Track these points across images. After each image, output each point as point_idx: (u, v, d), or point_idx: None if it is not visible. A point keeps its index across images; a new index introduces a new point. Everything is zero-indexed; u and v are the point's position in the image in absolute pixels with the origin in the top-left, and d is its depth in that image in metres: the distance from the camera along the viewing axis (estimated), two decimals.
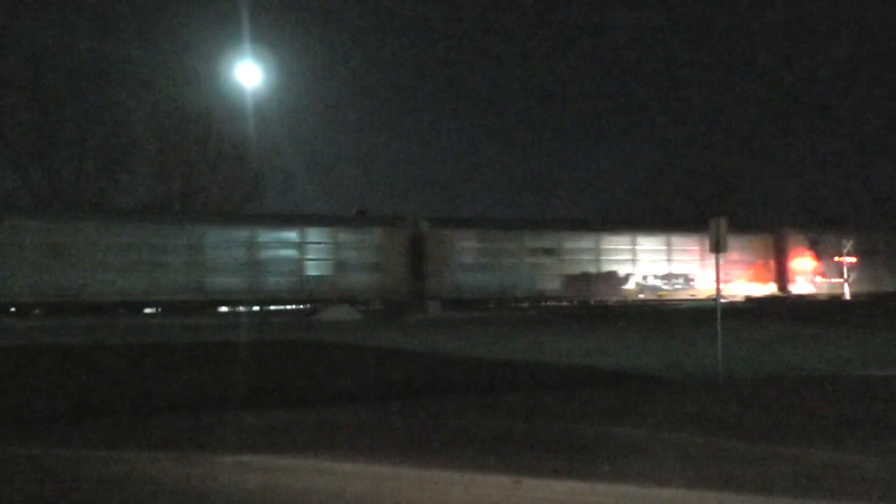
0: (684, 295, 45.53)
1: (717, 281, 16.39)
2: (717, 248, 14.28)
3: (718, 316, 14.66)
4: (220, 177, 57.03)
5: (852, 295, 53.88)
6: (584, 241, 42.79)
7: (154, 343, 21.93)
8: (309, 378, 14.02)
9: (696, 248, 44.67)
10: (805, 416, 9.79)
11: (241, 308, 38.50)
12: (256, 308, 44.30)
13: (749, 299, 48.69)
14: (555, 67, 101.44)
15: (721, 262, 15.40)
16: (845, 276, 54.69)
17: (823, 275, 54.84)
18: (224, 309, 43.84)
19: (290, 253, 38.86)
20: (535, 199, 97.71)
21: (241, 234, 38.23)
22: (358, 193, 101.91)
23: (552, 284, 42.01)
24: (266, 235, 38.46)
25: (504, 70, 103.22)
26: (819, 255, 54.78)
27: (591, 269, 42.61)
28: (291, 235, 38.95)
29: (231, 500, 6.30)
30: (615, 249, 43.30)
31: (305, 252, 39.01)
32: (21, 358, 17.94)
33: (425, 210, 46.41)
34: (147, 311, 38.32)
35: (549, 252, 41.72)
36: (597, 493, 6.37)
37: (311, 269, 38.83)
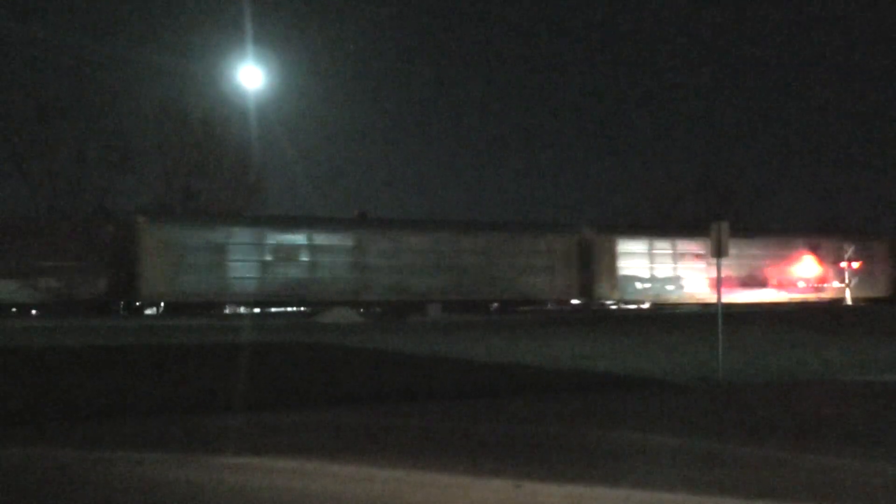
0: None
1: (718, 285, 16.39)
2: (719, 252, 14.29)
3: (720, 320, 14.66)
4: (222, 179, 57.06)
5: (853, 300, 53.90)
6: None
7: (155, 345, 21.93)
8: (309, 380, 14.02)
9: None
10: (804, 421, 9.78)
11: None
12: (257, 310, 44.39)
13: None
14: (559, 72, 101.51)
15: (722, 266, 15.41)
16: (847, 280, 54.70)
17: (826, 280, 54.86)
18: (226, 311, 43.91)
19: (480, 258, 42.58)
20: (536, 203, 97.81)
21: (436, 238, 42.27)
22: (359, 195, 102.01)
23: (702, 287, 45.82)
24: (458, 242, 42.40)
25: (509, 74, 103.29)
26: (821, 260, 54.79)
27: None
28: (479, 241, 42.73)
29: (231, 502, 6.30)
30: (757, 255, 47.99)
31: (492, 256, 42.57)
32: (20, 358, 17.95)
33: (590, 216, 50.45)
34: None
35: (698, 256, 45.25)
36: (597, 497, 6.37)
37: (497, 272, 42.55)
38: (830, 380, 13.58)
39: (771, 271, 51.88)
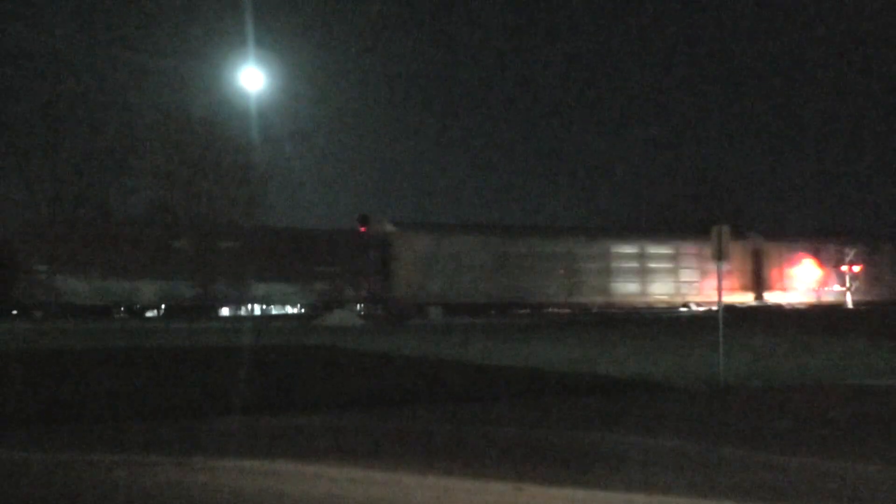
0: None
1: (720, 288, 16.38)
2: (720, 256, 14.28)
3: (720, 324, 14.64)
4: (223, 181, 57.04)
5: (854, 303, 53.84)
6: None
7: (156, 347, 21.94)
8: (309, 383, 14.01)
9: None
10: (805, 425, 9.78)
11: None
12: (257, 313, 44.47)
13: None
14: (559, 73, 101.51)
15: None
16: (847, 284, 54.63)
17: (826, 283, 54.80)
18: (225, 312, 44.00)
19: (668, 264, 48.35)
20: (537, 205, 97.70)
21: (640, 245, 48.11)
22: (361, 198, 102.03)
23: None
24: (652, 248, 47.89)
25: (510, 74, 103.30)
26: (822, 264, 54.76)
27: None
28: (668, 249, 48.52)
29: None
30: None
31: (680, 262, 48.41)
32: (19, 362, 17.95)
33: (763, 225, 59.51)
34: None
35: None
36: (597, 500, 6.37)
37: (683, 276, 48.67)
38: (831, 383, 13.57)
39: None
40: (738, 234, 48.52)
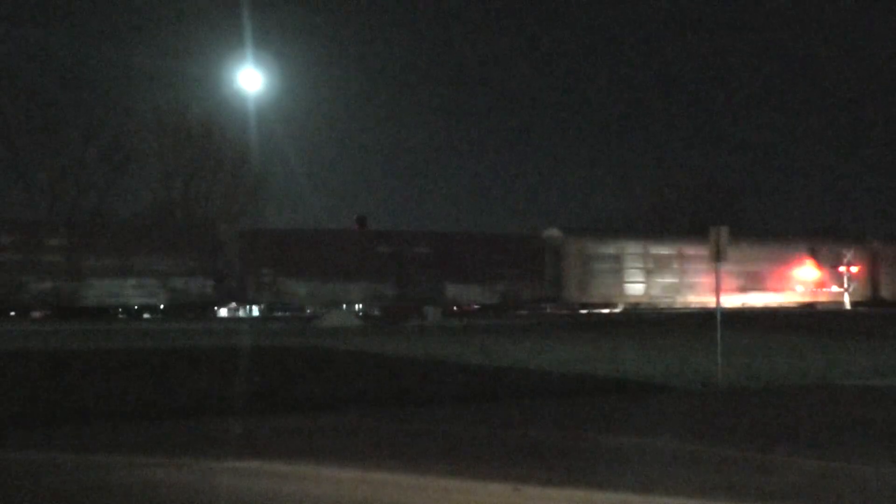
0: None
1: (718, 289, 16.41)
2: (718, 257, 14.30)
3: (718, 324, 14.67)
4: (221, 182, 57.06)
5: (852, 304, 53.90)
6: None
7: (156, 348, 21.93)
8: (308, 384, 14.02)
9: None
10: (803, 425, 9.80)
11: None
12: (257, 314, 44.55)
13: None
14: (559, 74, 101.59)
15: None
16: (845, 285, 54.69)
17: (824, 284, 54.87)
18: (223, 314, 44.05)
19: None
20: (537, 206, 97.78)
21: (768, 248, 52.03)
22: (359, 199, 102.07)
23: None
24: (784, 252, 52.18)
25: (509, 76, 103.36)
26: (820, 265, 54.79)
27: None
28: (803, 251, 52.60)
29: None
30: None
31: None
32: (19, 363, 17.94)
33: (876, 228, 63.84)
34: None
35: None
36: (596, 501, 6.38)
37: (810, 276, 52.65)
38: (828, 384, 13.59)
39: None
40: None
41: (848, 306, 53.81)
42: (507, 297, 45.76)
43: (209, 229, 42.49)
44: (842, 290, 54.99)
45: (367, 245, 43.60)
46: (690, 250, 47.63)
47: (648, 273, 48.42)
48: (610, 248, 48.09)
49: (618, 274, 47.70)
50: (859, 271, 54.26)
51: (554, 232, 48.39)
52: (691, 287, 49.19)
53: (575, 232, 49.03)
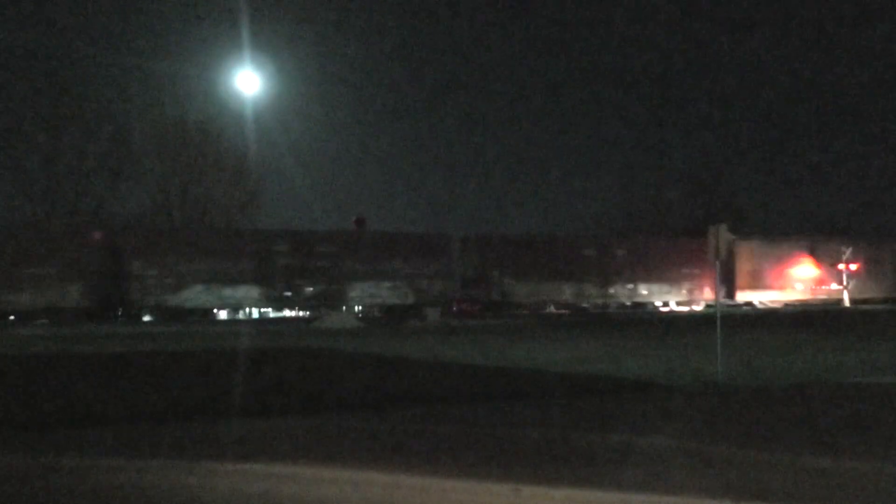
0: None
1: (717, 288, 16.42)
2: (717, 255, 14.29)
3: (718, 323, 14.66)
4: (219, 185, 57.05)
5: (851, 302, 53.93)
6: None
7: (152, 351, 21.92)
8: (308, 386, 14.02)
9: None
10: (803, 424, 9.79)
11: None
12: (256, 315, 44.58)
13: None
14: (557, 74, 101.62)
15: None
16: (844, 283, 54.70)
17: (823, 282, 54.88)
18: (223, 316, 44.08)
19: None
20: (536, 208, 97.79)
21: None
22: (358, 201, 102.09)
23: None
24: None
25: (509, 77, 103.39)
26: (818, 263, 54.81)
27: None
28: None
29: None
30: None
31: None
32: (23, 365, 17.93)
33: None
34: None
35: None
36: (596, 501, 6.37)
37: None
38: (829, 382, 13.58)
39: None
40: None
41: (847, 304, 53.82)
42: (691, 295, 51.76)
43: (447, 237, 47.90)
44: (841, 287, 54.98)
45: (575, 248, 48.94)
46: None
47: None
48: (776, 249, 53.77)
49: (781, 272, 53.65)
50: (857, 269, 54.42)
51: (727, 235, 51.86)
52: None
53: (744, 235, 54.72)
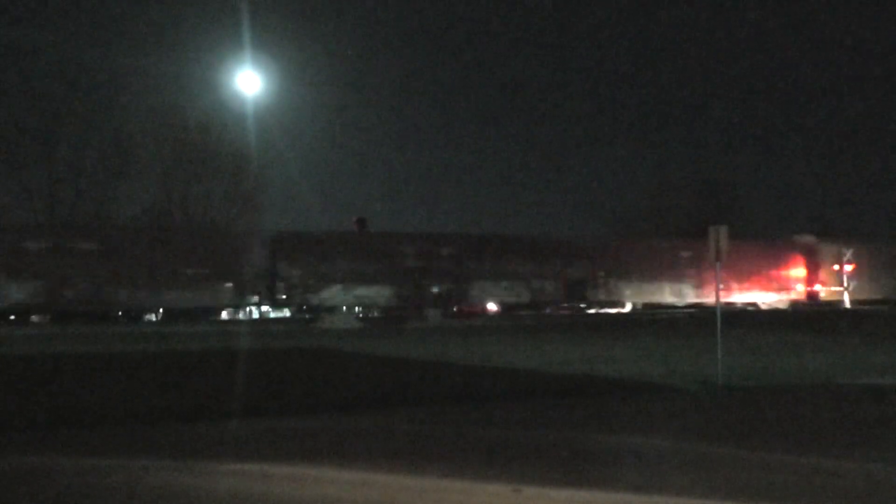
0: None
1: (717, 289, 16.41)
2: (717, 256, 14.28)
3: (718, 324, 14.65)
4: (219, 185, 57.00)
5: (851, 302, 53.93)
6: None
7: (155, 352, 21.92)
8: (307, 386, 14.02)
9: None
10: (802, 425, 9.79)
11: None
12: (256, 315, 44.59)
13: None
14: (558, 75, 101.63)
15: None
16: (845, 284, 54.71)
17: (823, 283, 54.91)
18: (224, 315, 44.12)
19: None
20: (537, 209, 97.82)
21: None
22: (357, 201, 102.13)
23: None
24: None
25: (509, 78, 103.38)
26: (819, 264, 54.84)
27: None
28: None
29: None
30: None
31: None
32: (21, 366, 17.94)
33: None
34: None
35: None
36: (596, 501, 6.37)
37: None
38: (828, 383, 13.58)
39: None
40: None
41: (847, 305, 53.83)
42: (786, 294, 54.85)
43: (555, 240, 51.30)
44: (841, 288, 55.01)
45: (673, 251, 51.86)
46: None
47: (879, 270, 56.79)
48: (862, 250, 55.57)
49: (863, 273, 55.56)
50: (854, 269, 54.69)
51: (809, 238, 56.87)
52: None
53: (827, 238, 57.27)
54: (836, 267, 54.50)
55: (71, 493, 6.69)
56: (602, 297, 49.55)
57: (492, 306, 48.00)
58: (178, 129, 55.20)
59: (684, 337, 25.24)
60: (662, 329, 31.10)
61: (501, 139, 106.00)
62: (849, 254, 54.70)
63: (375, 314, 44.13)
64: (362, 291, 43.95)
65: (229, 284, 41.08)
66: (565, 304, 48.91)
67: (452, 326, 35.40)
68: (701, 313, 46.41)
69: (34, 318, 40.43)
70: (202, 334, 29.84)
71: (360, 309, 44.59)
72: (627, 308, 50.37)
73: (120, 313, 40.95)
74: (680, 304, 51.36)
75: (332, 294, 42.98)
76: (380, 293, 44.28)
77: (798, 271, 55.28)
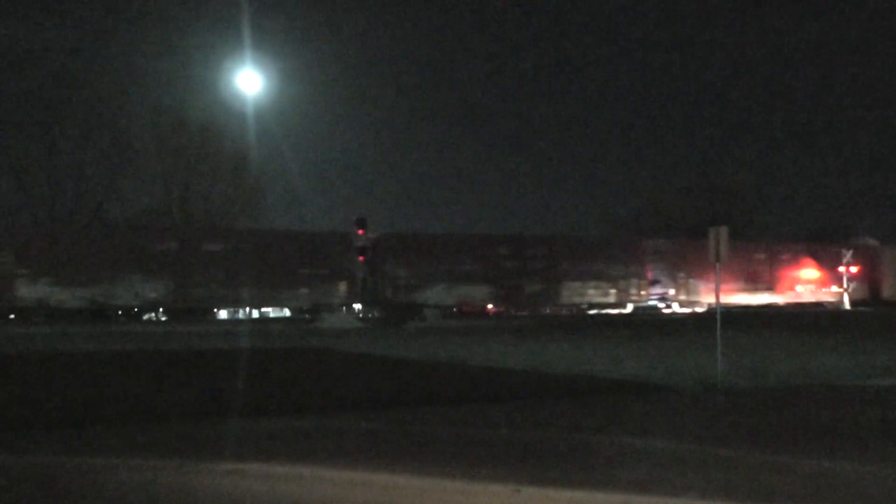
0: None
1: (717, 290, 16.41)
2: (718, 256, 14.27)
3: (718, 325, 14.65)
4: (219, 184, 57.00)
5: (851, 304, 53.97)
6: None
7: (157, 350, 21.92)
8: (307, 386, 14.02)
9: None
10: (802, 426, 9.79)
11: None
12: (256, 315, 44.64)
13: None
14: (558, 75, 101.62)
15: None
16: (845, 285, 54.74)
17: (824, 284, 54.94)
18: (223, 316, 44.13)
19: None
20: (538, 210, 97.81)
21: None
22: (357, 201, 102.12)
23: None
24: None
25: (509, 78, 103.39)
26: (820, 265, 54.86)
27: None
28: None
29: None
30: None
31: None
32: (22, 364, 17.93)
33: None
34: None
35: None
36: (596, 502, 6.37)
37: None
38: (828, 385, 13.58)
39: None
40: None
41: (847, 306, 53.85)
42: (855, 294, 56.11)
43: (636, 242, 53.04)
44: (841, 290, 55.05)
45: (748, 253, 53.16)
46: None
47: None
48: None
49: None
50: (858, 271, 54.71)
51: (870, 241, 59.44)
52: None
53: (890, 241, 59.88)
54: (841, 269, 54.58)
55: (71, 493, 6.69)
56: (682, 297, 51.32)
57: (490, 306, 48.18)
58: (178, 128, 55.20)
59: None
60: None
61: (501, 139, 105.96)
62: (849, 255, 54.73)
63: (375, 314, 44.15)
64: (463, 291, 46.21)
65: (343, 283, 43.56)
66: (651, 303, 50.77)
67: (452, 326, 35.40)
68: (769, 311, 49.12)
69: (149, 316, 42.69)
70: (202, 334, 29.83)
71: (360, 309, 44.62)
72: (703, 308, 51.80)
73: (120, 311, 41.09)
74: (753, 304, 52.73)
75: (435, 293, 45.21)
76: (479, 293, 46.79)
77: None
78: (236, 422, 10.14)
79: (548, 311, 48.86)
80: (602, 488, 6.64)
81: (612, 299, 49.62)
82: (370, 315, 43.20)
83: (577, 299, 49.13)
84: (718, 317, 15.06)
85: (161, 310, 42.13)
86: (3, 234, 40.17)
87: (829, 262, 54.82)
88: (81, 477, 7.21)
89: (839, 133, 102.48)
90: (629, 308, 49.50)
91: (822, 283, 54.73)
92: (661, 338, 25.40)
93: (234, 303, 42.95)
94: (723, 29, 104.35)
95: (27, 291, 37.67)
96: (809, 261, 54.79)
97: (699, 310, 50.84)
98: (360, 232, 45.60)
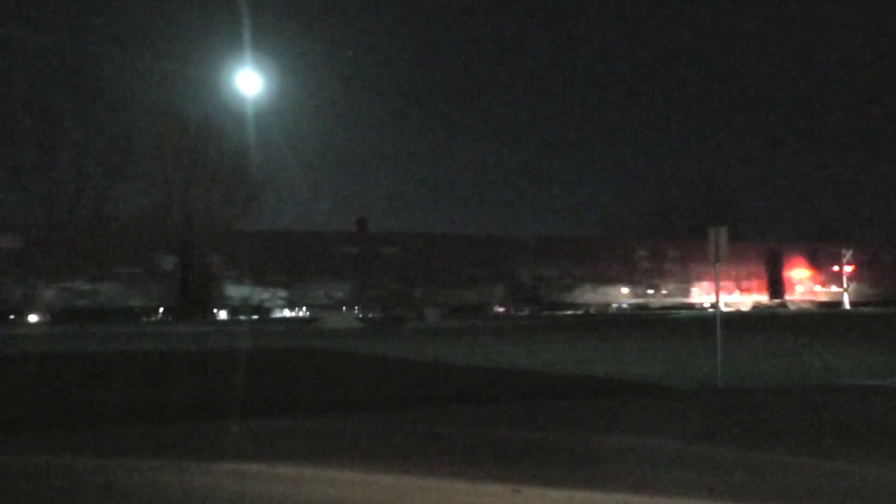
0: None
1: (717, 290, 16.41)
2: (717, 257, 14.26)
3: (718, 325, 14.65)
4: (219, 185, 57.00)
5: (850, 304, 54.00)
6: None
7: (157, 351, 21.92)
8: (308, 386, 14.03)
9: None
10: (802, 426, 9.79)
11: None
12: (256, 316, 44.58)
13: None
14: (558, 76, 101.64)
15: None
16: (844, 285, 54.76)
17: (822, 284, 54.97)
18: (223, 316, 44.12)
19: None
20: (536, 210, 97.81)
21: None
22: (356, 201, 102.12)
23: None
24: None
25: (509, 79, 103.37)
26: (818, 265, 54.91)
27: None
28: None
29: None
30: None
31: None
32: (19, 365, 17.94)
33: None
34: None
35: None
36: (596, 502, 6.38)
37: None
38: (828, 385, 13.59)
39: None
40: None
41: (847, 306, 53.87)
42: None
43: (676, 244, 55.22)
44: (841, 290, 55.08)
45: (787, 254, 54.97)
46: None
47: None
48: None
49: None
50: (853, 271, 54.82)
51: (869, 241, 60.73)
52: None
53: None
54: (836, 268, 54.65)
55: (71, 493, 6.69)
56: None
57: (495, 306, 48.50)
58: (177, 129, 55.19)
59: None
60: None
61: (502, 140, 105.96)
62: (848, 255, 54.73)
63: (375, 314, 44.17)
64: (606, 291, 49.37)
65: (501, 285, 46.75)
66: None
67: (452, 326, 35.41)
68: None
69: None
70: (203, 334, 29.84)
71: (359, 309, 44.64)
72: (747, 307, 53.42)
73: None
74: (753, 304, 54.09)
75: (582, 294, 48.51)
76: (620, 293, 50.63)
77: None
78: (237, 422, 10.14)
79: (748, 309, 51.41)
80: (602, 488, 6.64)
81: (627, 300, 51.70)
82: (370, 315, 43.25)
83: (594, 301, 50.94)
84: (718, 317, 15.06)
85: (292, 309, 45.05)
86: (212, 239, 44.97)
87: (828, 262, 54.85)
88: (78, 478, 7.21)
89: (839, 132, 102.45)
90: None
91: (821, 283, 54.73)
92: (664, 338, 25.40)
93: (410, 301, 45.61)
94: (723, 29, 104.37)
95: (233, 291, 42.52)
96: (808, 261, 54.81)
97: (743, 309, 52.42)
98: (360, 232, 45.72)
